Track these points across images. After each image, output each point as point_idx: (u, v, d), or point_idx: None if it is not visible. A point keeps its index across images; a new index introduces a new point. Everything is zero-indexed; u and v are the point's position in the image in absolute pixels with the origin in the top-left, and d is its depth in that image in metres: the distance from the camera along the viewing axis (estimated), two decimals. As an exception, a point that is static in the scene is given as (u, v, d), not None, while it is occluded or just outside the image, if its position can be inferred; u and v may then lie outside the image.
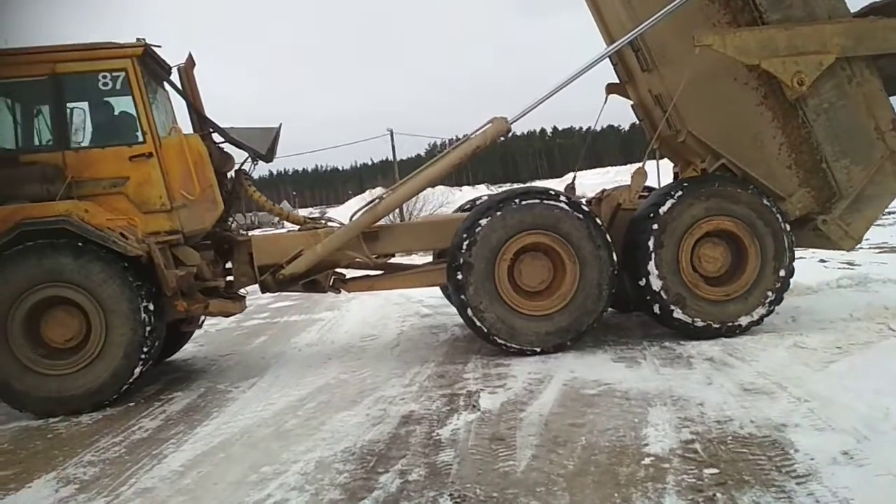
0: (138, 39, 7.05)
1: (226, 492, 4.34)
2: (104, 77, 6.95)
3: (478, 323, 7.07)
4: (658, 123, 7.97)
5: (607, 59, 8.16)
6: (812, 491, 3.62)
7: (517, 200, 7.11)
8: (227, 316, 7.77)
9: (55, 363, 6.54)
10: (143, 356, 6.67)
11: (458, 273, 7.03)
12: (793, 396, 5.09)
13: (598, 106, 9.02)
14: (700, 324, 7.09)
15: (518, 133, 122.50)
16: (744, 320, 7.13)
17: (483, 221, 7.03)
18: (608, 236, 7.14)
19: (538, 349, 7.08)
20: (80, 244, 6.49)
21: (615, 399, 5.46)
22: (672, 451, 4.31)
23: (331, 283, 7.85)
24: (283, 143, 8.22)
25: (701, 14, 7.14)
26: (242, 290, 7.95)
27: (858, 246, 7.99)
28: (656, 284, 7.06)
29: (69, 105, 7.05)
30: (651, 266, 7.05)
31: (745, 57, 6.93)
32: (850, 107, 7.21)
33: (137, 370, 6.68)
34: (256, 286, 7.77)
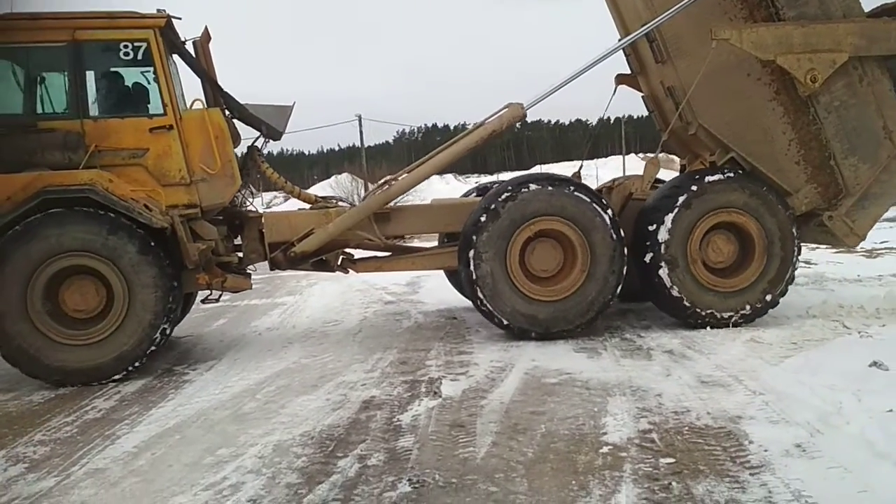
0: (159, 10, 6.94)
1: (180, 473, 4.27)
2: (125, 46, 6.83)
3: (487, 305, 7.08)
4: (668, 115, 8.08)
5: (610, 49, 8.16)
6: (765, 482, 3.68)
7: (535, 185, 7.14)
8: (238, 291, 7.72)
9: (75, 333, 6.49)
10: (164, 329, 6.66)
11: (471, 255, 7.04)
12: (748, 389, 5.17)
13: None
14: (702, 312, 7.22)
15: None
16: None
17: (500, 204, 7.05)
18: (620, 226, 7.20)
19: (544, 333, 7.11)
20: (104, 214, 6.42)
21: (575, 388, 5.49)
22: (630, 441, 4.35)
23: (339, 263, 7.87)
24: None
25: (718, 8, 7.20)
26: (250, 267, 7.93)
27: (861, 243, 8.09)
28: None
29: (88, 72, 6.91)
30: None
31: (760, 52, 6.98)
32: (860, 105, 7.29)
33: (157, 343, 6.67)
34: (265, 263, 7.77)
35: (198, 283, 7.08)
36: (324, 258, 7.74)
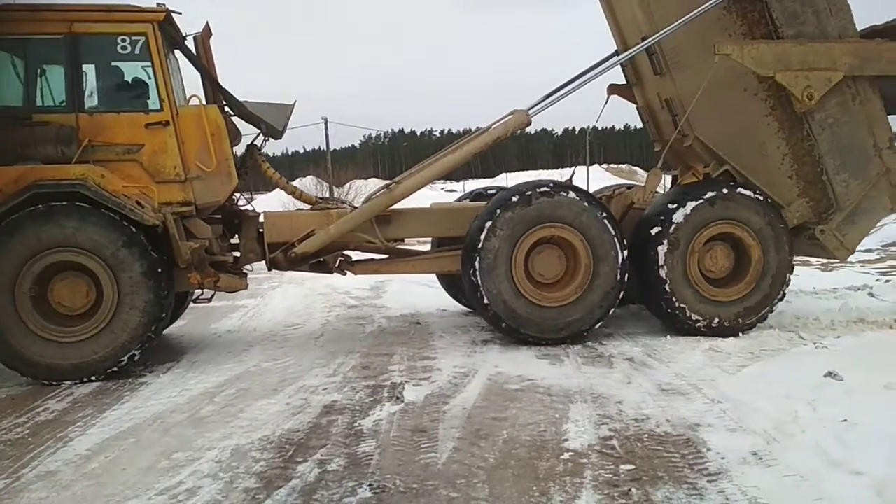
0: (159, 4, 6.83)
1: (134, 477, 4.16)
2: (123, 40, 6.74)
3: (491, 309, 7.09)
4: (663, 127, 8.24)
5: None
6: (722, 489, 3.73)
7: (540, 192, 7.14)
8: (232, 291, 7.58)
9: (62, 329, 6.40)
10: (153, 327, 6.57)
11: (475, 259, 7.03)
12: (707, 398, 5.24)
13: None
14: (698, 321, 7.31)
15: (455, 131, 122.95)
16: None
17: (505, 209, 7.07)
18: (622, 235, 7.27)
19: (547, 339, 7.13)
20: (94, 209, 6.31)
21: (537, 395, 5.51)
22: (590, 447, 4.37)
23: (337, 265, 7.78)
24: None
25: (718, 23, 7.32)
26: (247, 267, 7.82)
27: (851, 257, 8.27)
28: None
29: (85, 66, 6.82)
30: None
31: (760, 68, 7.11)
32: (852, 124, 7.47)
33: (146, 343, 6.58)
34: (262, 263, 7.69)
35: (189, 283, 6.97)
36: (322, 260, 7.67)
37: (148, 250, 6.46)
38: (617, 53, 8.59)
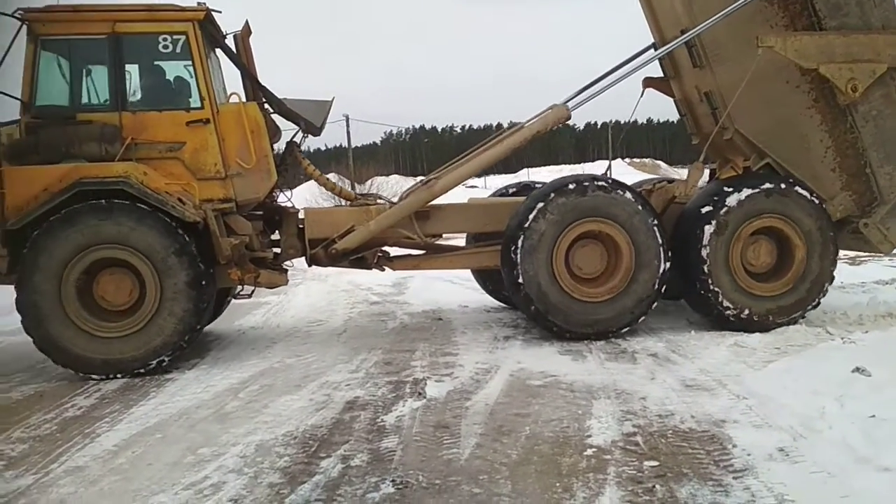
0: (199, 3, 6.95)
1: (161, 472, 4.22)
2: (164, 39, 6.86)
3: (523, 290, 7.06)
4: (701, 119, 8.23)
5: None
6: (748, 486, 3.70)
7: (598, 185, 7.15)
8: (272, 287, 7.70)
9: (106, 325, 6.50)
10: (196, 321, 6.66)
11: (520, 237, 7.02)
12: (732, 394, 5.19)
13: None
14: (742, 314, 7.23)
15: (475, 126, 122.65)
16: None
17: (560, 195, 7.06)
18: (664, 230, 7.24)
19: (571, 332, 7.12)
20: (137, 206, 6.42)
21: (560, 391, 5.49)
22: (614, 443, 4.35)
23: (375, 261, 7.85)
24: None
25: (759, 15, 7.24)
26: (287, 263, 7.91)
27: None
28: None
29: (127, 65, 6.92)
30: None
31: (804, 60, 7.05)
32: (895, 116, 7.39)
33: (190, 337, 6.68)
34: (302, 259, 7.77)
35: (230, 278, 7.05)
36: (362, 256, 7.72)
37: (196, 261, 6.56)
38: (654, 46, 8.56)
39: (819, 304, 7.39)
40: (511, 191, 9.29)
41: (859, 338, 6.57)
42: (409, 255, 8.22)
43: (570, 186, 7.07)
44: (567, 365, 6.27)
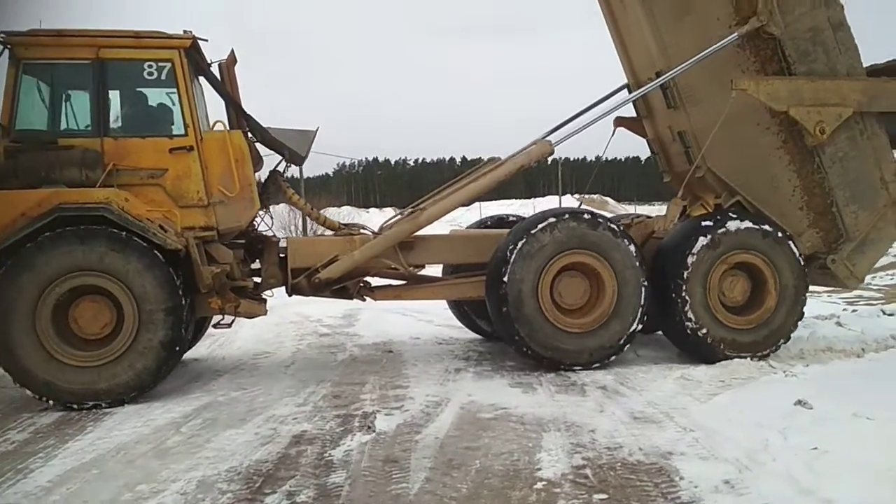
0: (185, 31, 6.91)
1: (95, 511, 4.04)
2: (150, 66, 6.81)
3: (543, 357, 7.13)
4: (674, 158, 8.55)
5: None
6: (695, 517, 3.72)
7: (567, 218, 7.26)
8: (252, 317, 7.52)
9: (81, 354, 6.34)
10: (175, 351, 6.55)
11: (502, 285, 7.06)
12: (679, 426, 5.25)
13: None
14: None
15: (428, 160, 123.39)
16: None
17: (515, 260, 7.09)
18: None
19: (602, 360, 7.20)
20: (118, 233, 6.30)
21: (510, 423, 5.47)
22: (564, 476, 4.34)
23: (357, 291, 7.81)
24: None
25: (731, 60, 7.51)
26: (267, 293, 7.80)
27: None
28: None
29: (111, 91, 6.88)
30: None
31: (775, 103, 7.32)
32: (860, 157, 7.71)
33: (168, 367, 6.57)
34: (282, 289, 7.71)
35: (210, 308, 6.96)
36: (344, 285, 7.68)
37: (177, 290, 6.43)
38: (628, 87, 8.91)
39: (769, 354, 7.46)
40: (489, 223, 9.42)
41: (801, 371, 6.76)
42: (391, 286, 8.20)
43: (515, 249, 7.11)
44: (517, 397, 6.26)
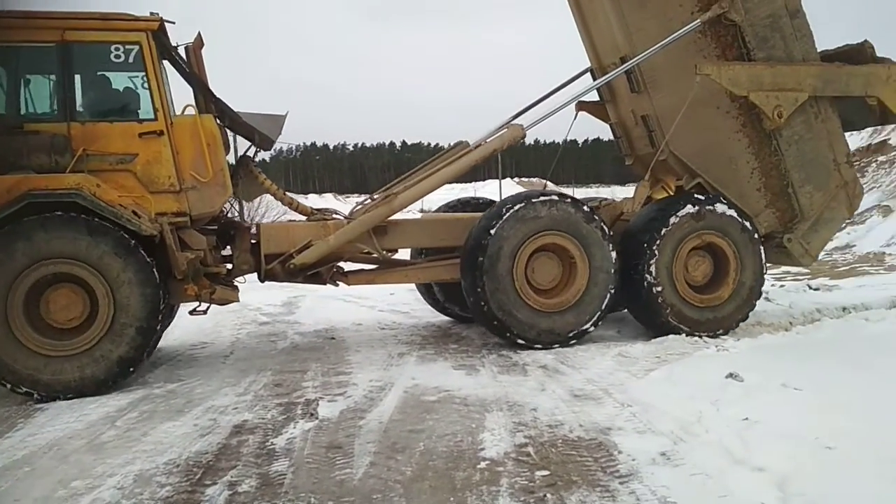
0: (152, 13, 6.72)
1: (27, 510, 3.90)
2: (116, 49, 6.62)
3: (495, 317, 7.23)
4: (636, 142, 8.75)
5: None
6: (633, 490, 3.82)
7: (542, 201, 7.38)
8: (225, 304, 7.37)
9: (55, 343, 6.20)
10: (151, 340, 6.49)
11: (478, 267, 7.16)
12: (617, 402, 5.38)
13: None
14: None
15: (368, 144, 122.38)
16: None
17: (508, 218, 7.23)
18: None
19: (547, 344, 7.31)
20: (91, 220, 6.15)
21: (454, 405, 5.50)
22: (506, 455, 4.40)
23: (331, 276, 7.79)
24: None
25: (693, 45, 7.73)
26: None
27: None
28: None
29: (77, 75, 6.68)
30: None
31: (736, 88, 7.56)
32: (815, 140, 8.02)
33: (142, 356, 6.46)
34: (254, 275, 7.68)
35: (186, 294, 6.84)
36: (318, 271, 7.63)
37: (153, 276, 6.33)
38: (591, 71, 9.08)
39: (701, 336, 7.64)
40: (457, 206, 9.51)
41: (732, 345, 7.00)
42: (363, 270, 8.20)
43: (492, 231, 7.21)
44: (461, 379, 6.30)
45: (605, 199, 9.31)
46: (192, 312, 7.53)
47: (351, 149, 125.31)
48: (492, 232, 7.20)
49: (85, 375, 6.21)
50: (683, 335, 7.46)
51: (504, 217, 7.24)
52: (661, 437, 4.55)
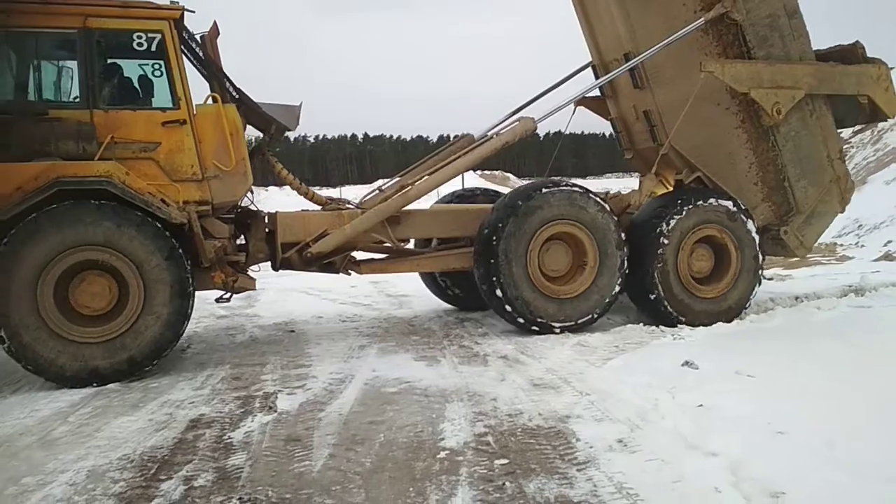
0: (173, 2, 6.76)
1: (-26, 509, 3.79)
2: (139, 37, 6.62)
3: (508, 305, 7.37)
4: (637, 136, 8.93)
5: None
6: (591, 476, 3.87)
7: (555, 190, 7.55)
8: (242, 291, 7.41)
9: (84, 330, 6.18)
10: (180, 327, 6.52)
11: (492, 255, 7.33)
12: (576, 390, 5.43)
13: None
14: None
15: (329, 136, 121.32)
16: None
17: (522, 207, 7.40)
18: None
19: (559, 329, 7.47)
20: (122, 207, 6.18)
21: (415, 396, 5.51)
22: (466, 445, 4.41)
23: (345, 265, 7.88)
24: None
25: (696, 43, 7.91)
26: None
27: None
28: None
29: (100, 62, 6.61)
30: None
31: (737, 85, 7.76)
32: (810, 136, 8.27)
33: (172, 344, 6.53)
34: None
35: (213, 282, 6.94)
36: (332, 260, 7.71)
37: (184, 264, 6.39)
38: (593, 66, 9.27)
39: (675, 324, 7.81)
40: (456, 196, 9.65)
41: (687, 334, 7.15)
42: (375, 259, 8.26)
43: (505, 220, 7.39)
44: (422, 371, 6.30)
45: (615, 193, 9.50)
46: (218, 300, 7.59)
47: (312, 140, 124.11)
48: (507, 221, 7.36)
49: (114, 362, 6.22)
50: (642, 325, 7.58)
51: (517, 209, 7.40)
52: (618, 424, 4.62)
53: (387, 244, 8.00)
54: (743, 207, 8.00)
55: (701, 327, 7.47)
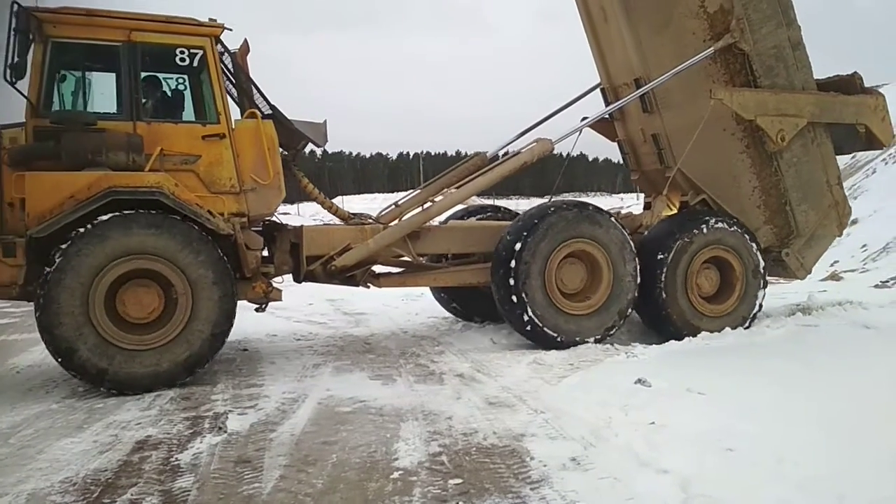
0: (211, 20, 6.96)
1: None
2: (182, 52, 6.83)
3: (526, 318, 7.48)
4: (643, 158, 9.16)
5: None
6: (544, 495, 3.86)
7: (572, 210, 7.77)
8: (272, 301, 7.48)
9: (131, 338, 6.26)
10: (225, 336, 6.64)
11: (511, 272, 7.45)
12: (531, 408, 5.44)
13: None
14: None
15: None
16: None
17: (540, 225, 7.57)
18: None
19: (574, 345, 7.57)
20: (175, 218, 6.31)
21: (369, 416, 5.44)
22: (420, 464, 4.37)
23: (365, 279, 8.02)
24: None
25: (703, 70, 8.21)
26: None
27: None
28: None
29: (143, 75, 6.81)
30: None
31: (744, 112, 8.05)
32: (811, 162, 8.62)
33: (215, 352, 6.67)
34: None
35: (254, 292, 7.13)
36: (353, 273, 7.85)
37: (231, 275, 6.56)
38: (602, 89, 9.48)
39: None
40: (469, 213, 9.80)
41: (641, 352, 7.21)
42: (393, 273, 8.35)
43: (524, 238, 7.52)
44: (377, 390, 6.24)
45: (625, 211, 9.70)
46: (257, 310, 7.62)
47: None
48: (525, 240, 7.48)
49: (161, 370, 6.31)
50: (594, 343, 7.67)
51: (536, 226, 7.55)
52: (572, 442, 4.63)
53: (405, 258, 8.17)
54: (747, 228, 8.33)
55: (654, 346, 7.56)
